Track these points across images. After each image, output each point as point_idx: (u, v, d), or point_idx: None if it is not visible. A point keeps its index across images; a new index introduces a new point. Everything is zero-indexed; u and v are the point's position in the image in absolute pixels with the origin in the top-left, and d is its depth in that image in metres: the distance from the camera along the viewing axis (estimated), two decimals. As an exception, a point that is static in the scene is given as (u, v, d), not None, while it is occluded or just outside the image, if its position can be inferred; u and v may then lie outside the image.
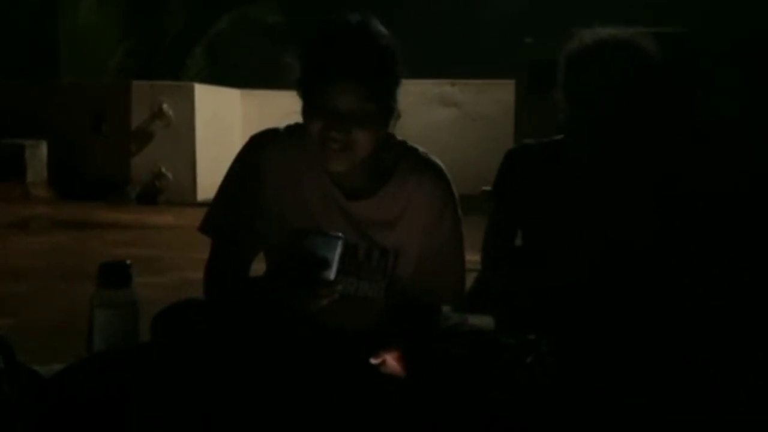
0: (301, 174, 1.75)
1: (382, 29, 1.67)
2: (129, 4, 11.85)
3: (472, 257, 2.07)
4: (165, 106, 9.47)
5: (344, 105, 1.60)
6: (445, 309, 1.89)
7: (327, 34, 1.65)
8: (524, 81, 7.01)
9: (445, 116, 10.11)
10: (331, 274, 1.54)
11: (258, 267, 1.82)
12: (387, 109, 1.67)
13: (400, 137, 1.79)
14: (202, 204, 8.67)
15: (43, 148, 9.19)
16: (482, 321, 1.86)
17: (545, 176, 2.03)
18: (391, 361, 1.66)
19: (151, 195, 9.39)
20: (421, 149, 1.80)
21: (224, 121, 10.06)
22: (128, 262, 1.72)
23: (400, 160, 1.76)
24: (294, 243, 1.55)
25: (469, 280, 1.99)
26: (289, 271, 1.54)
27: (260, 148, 1.77)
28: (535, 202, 2.04)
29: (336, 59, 1.60)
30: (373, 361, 1.66)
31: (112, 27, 11.78)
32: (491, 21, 15.57)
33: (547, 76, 2.09)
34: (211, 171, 9.40)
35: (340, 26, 1.64)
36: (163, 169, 9.44)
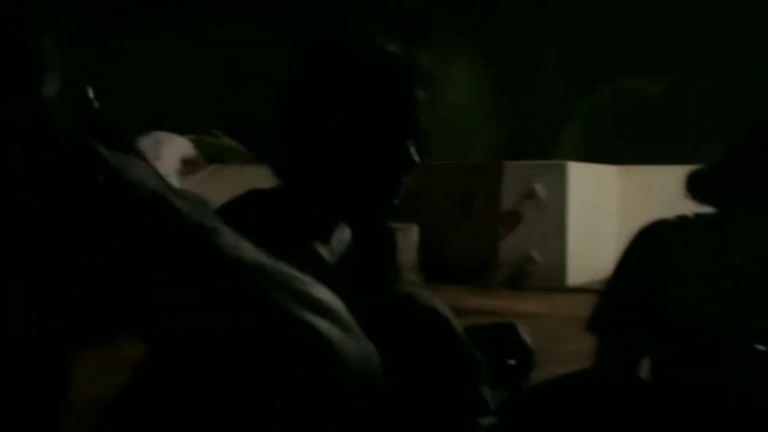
0: None
1: None
2: (498, 84, 12.47)
3: None
4: (538, 186, 9.69)
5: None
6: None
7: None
8: None
9: None
10: None
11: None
12: None
13: None
14: (571, 290, 8.66)
15: (414, 232, 9.85)
16: None
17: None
18: None
19: (519, 280, 9.61)
20: None
21: (598, 201, 10.06)
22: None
23: None
24: None
25: None
26: None
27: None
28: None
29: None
30: None
31: (481, 106, 12.45)
32: None
33: None
34: (581, 254, 9.40)
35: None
36: (532, 253, 9.64)
